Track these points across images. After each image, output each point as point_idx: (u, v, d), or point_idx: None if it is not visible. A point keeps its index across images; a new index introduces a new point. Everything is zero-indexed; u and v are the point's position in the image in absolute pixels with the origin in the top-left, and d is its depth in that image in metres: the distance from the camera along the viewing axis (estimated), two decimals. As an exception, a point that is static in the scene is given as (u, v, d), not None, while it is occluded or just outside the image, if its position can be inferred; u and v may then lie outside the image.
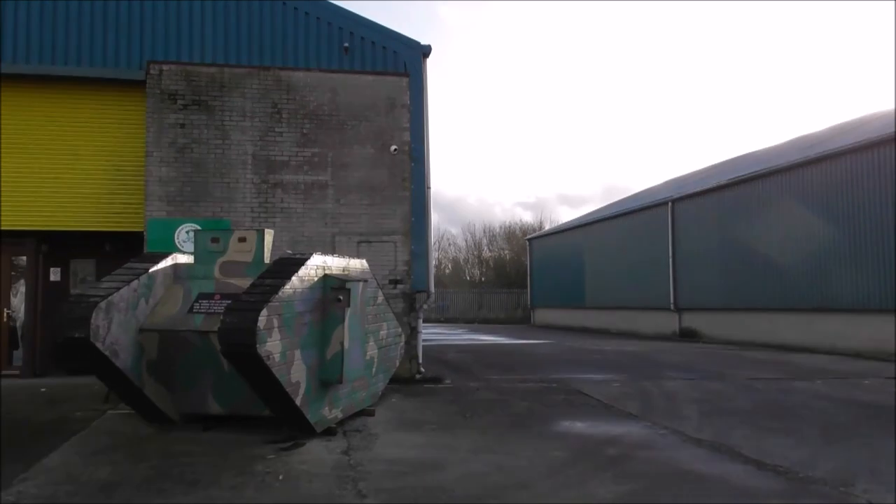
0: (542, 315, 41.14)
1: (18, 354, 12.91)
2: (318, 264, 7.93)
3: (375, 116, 12.73)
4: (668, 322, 28.05)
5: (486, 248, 58.92)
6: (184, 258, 8.51)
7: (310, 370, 7.63)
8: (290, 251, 9.04)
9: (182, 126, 12.04)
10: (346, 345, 7.96)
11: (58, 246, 13.10)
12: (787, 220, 21.70)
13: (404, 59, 13.05)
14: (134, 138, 12.48)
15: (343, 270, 8.56)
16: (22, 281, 13.13)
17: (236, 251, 8.26)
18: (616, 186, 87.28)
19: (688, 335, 26.71)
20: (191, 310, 7.90)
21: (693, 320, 26.98)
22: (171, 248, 11.93)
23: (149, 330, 7.73)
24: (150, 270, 7.89)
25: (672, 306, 27.72)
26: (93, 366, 7.31)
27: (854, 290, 19.04)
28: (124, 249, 13.13)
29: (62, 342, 6.98)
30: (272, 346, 6.86)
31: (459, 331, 32.58)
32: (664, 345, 22.87)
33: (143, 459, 6.72)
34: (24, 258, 12.91)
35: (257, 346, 6.59)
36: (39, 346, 12.77)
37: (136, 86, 12.34)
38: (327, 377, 7.94)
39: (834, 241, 19.80)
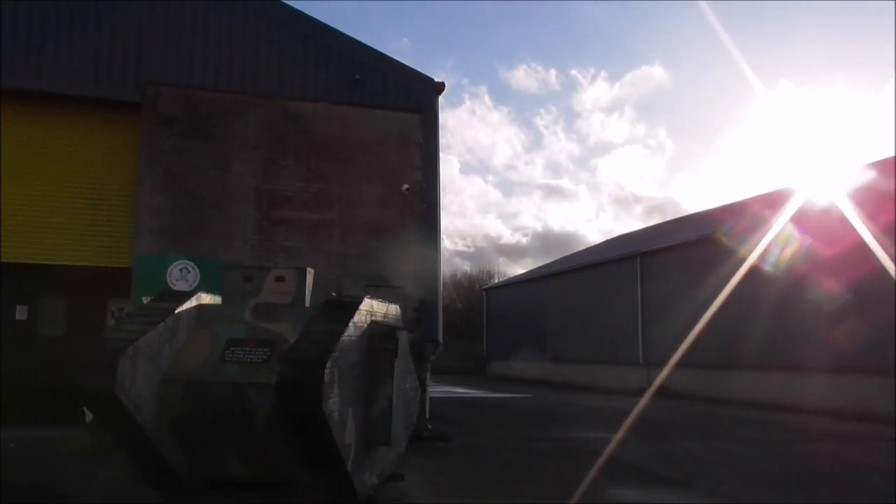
0: (498, 367, 40.41)
1: (-27, 403, 11.36)
2: (367, 309, 7.06)
3: (386, 153, 11.99)
4: (636, 377, 27.66)
5: (434, 298, 57.95)
6: (208, 298, 7.48)
7: (357, 430, 6.69)
8: (333, 293, 8.11)
9: (178, 153, 11.04)
10: (394, 401, 7.07)
11: (25, 281, 11.69)
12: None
13: (417, 95, 12.40)
14: (121, 165, 11.40)
15: (384, 316, 7.70)
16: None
17: (272, 292, 7.28)
18: (552, 239, 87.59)
19: (659, 392, 26.34)
20: (222, 358, 6.85)
21: (661, 376, 26.67)
22: (162, 287, 10.80)
23: (173, 381, 6.64)
24: (176, 312, 6.84)
25: (641, 360, 27.41)
26: (113, 421, 6.18)
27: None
28: (103, 287, 11.91)
29: (82, 393, 5.87)
30: (333, 403, 5.94)
31: (422, 381, 31.45)
32: (644, 401, 22.39)
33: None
34: (-9, 294, 11.45)
35: (323, 403, 5.65)
36: (4, 393, 11.26)
37: (127, 108, 11.30)
38: (373, 438, 7.01)
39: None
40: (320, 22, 12.16)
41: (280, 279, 7.35)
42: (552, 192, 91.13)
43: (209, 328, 7.17)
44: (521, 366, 37.12)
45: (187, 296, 7.21)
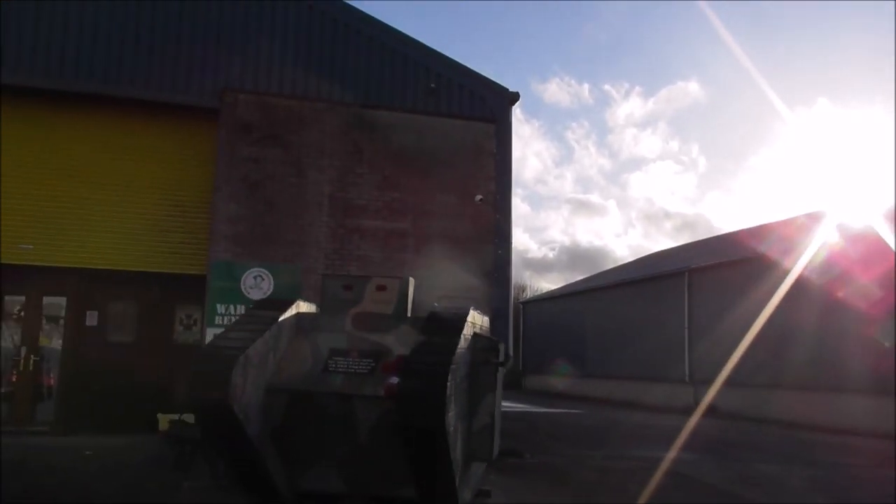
0: (534, 381, 39.96)
1: (44, 408, 11.33)
2: (472, 320, 6.85)
3: (460, 163, 11.82)
4: (682, 395, 27.11)
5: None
6: (305, 307, 7.32)
7: (463, 445, 6.49)
8: (436, 303, 7.92)
9: (255, 161, 10.95)
10: (496, 416, 6.85)
11: (96, 286, 11.65)
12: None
13: (490, 105, 12.23)
14: (197, 171, 11.34)
15: (481, 328, 7.50)
16: (52, 324, 11.63)
17: (373, 301, 7.10)
18: (579, 253, 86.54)
19: (708, 410, 25.76)
20: (325, 368, 6.66)
21: (709, 395, 26.09)
22: (237, 294, 10.72)
23: (278, 390, 6.47)
24: (279, 320, 6.68)
25: (687, 378, 26.86)
26: (222, 431, 6.01)
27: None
28: (172, 294, 11.85)
29: (196, 402, 5.71)
30: (451, 417, 5.73)
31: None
32: (694, 420, 21.91)
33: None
34: (64, 299, 11.41)
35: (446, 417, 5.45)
36: (74, 399, 11.21)
37: (204, 114, 11.26)
38: (475, 453, 6.80)
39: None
40: (397, 30, 12.06)
41: (381, 288, 7.18)
42: (581, 206, 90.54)
43: (309, 337, 7.02)
44: (558, 381, 36.66)
45: (286, 304, 7.07)
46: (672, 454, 12.73)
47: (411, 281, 7.25)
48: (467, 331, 6.64)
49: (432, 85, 11.94)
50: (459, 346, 6.18)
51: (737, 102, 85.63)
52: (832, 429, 18.41)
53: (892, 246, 18.16)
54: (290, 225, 10.95)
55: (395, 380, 6.42)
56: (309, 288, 10.71)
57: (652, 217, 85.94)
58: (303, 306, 7.31)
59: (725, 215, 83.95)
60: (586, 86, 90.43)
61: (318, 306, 7.57)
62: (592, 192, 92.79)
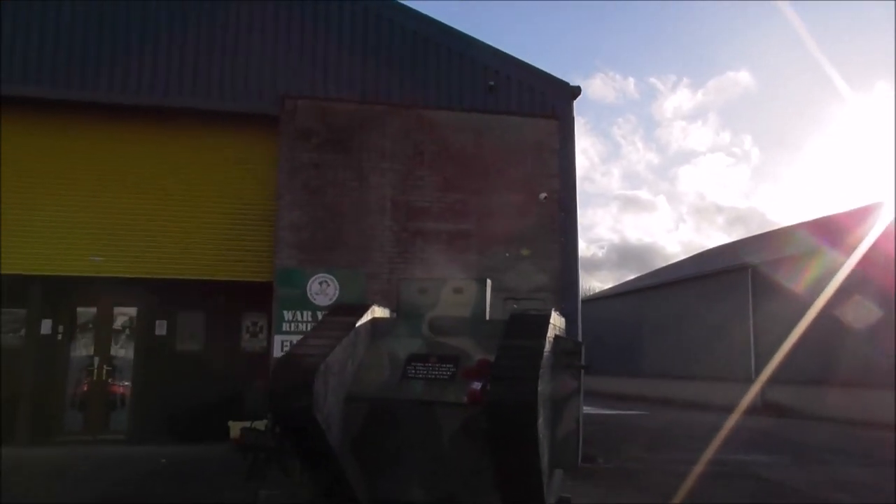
0: (590, 381, 39.33)
1: (116, 416, 11.47)
2: (554, 322, 6.59)
3: (522, 161, 11.58)
4: (746, 394, 26.30)
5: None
6: (380, 311, 7.17)
7: (549, 452, 6.23)
8: (515, 305, 7.73)
9: (316, 167, 10.90)
10: (580, 422, 6.59)
11: (164, 296, 11.75)
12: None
13: (552, 101, 11.95)
14: (258, 179, 11.33)
15: (560, 330, 7.23)
16: (122, 335, 11.79)
17: (450, 304, 6.92)
18: (629, 250, 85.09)
19: (774, 409, 24.97)
20: (404, 375, 6.49)
21: (776, 394, 25.29)
22: (303, 301, 10.68)
23: (357, 399, 6.33)
24: (356, 326, 6.54)
25: (753, 376, 26.06)
26: (305, 441, 5.88)
27: None
28: (237, 302, 11.89)
29: (280, 412, 5.61)
30: (540, 423, 5.50)
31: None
32: (764, 419, 21.25)
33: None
34: (134, 309, 11.55)
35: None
36: (146, 408, 11.32)
37: (264, 122, 11.24)
38: (560, 462, 6.53)
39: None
40: (452, 28, 11.87)
41: (458, 291, 6.99)
42: (629, 203, 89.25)
43: (386, 343, 6.86)
44: (611, 381, 36.01)
45: (362, 309, 6.93)
46: (749, 457, 12.28)
47: (488, 283, 7.05)
48: (549, 333, 6.40)
49: (491, 83, 11.72)
50: (545, 350, 5.96)
51: (790, 90, 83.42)
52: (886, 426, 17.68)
53: None
54: (353, 230, 10.86)
55: (477, 385, 6.22)
56: (373, 293, 10.62)
57: (703, 211, 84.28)
58: (377, 311, 7.17)
59: (780, 208, 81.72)
60: (631, 80, 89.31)
61: (391, 311, 7.43)
62: (641, 188, 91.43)
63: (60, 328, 11.38)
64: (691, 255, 43.89)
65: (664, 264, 45.84)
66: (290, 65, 11.35)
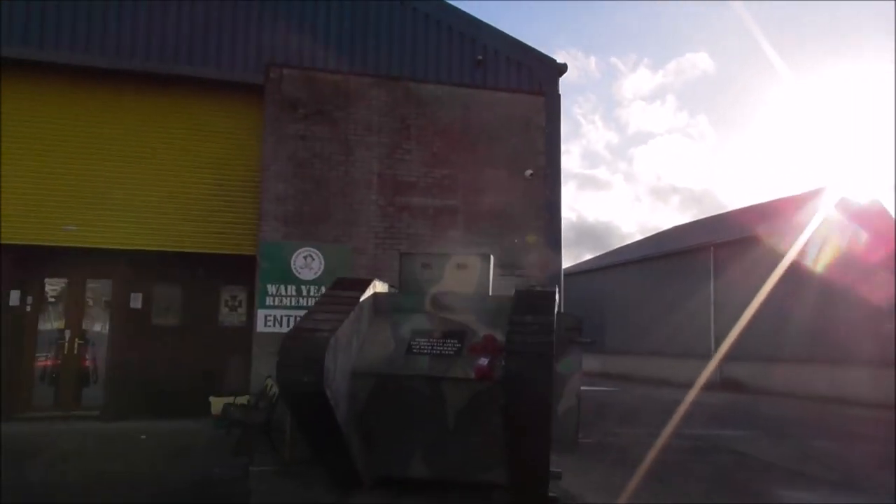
0: (553, 359, 39.80)
1: (89, 392, 11.15)
2: (555, 300, 6.60)
3: (509, 137, 11.49)
4: (706, 370, 26.93)
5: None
6: (381, 286, 7.09)
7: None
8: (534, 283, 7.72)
9: (303, 138, 10.65)
10: (580, 398, 6.65)
11: (140, 269, 11.40)
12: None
13: (538, 77, 11.89)
14: (241, 150, 11.06)
15: (559, 306, 7.27)
16: (95, 308, 11.44)
17: (454, 280, 6.88)
18: (585, 229, 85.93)
19: (731, 386, 25.64)
20: (409, 350, 6.44)
21: (734, 370, 25.96)
22: (287, 275, 10.46)
23: (363, 374, 6.26)
24: (360, 301, 6.44)
25: (712, 354, 26.68)
26: (313, 417, 5.79)
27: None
28: (217, 275, 11.63)
29: (289, 388, 5.51)
30: (552, 398, 5.51)
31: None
32: (729, 396, 21.82)
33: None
34: (110, 282, 11.19)
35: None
36: (120, 383, 11.02)
37: (249, 91, 10.96)
38: (560, 437, 6.58)
39: None
40: (441, 0, 11.68)
41: (462, 267, 6.96)
42: (587, 181, 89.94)
43: (388, 318, 6.80)
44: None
45: (365, 283, 6.84)
46: (721, 431, 12.57)
47: (491, 258, 7.01)
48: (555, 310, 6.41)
49: (479, 57, 11.60)
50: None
51: (747, 73, 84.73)
52: (836, 400, 18.40)
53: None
54: (340, 203, 10.68)
55: (485, 361, 6.20)
56: (359, 268, 10.49)
57: (659, 192, 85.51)
58: (378, 286, 7.08)
59: (733, 190, 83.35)
60: (593, 59, 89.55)
61: (391, 286, 7.35)
62: (599, 168, 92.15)
63: (29, 300, 10.98)
64: (648, 234, 44.55)
65: (620, 243, 46.43)
66: (276, 33, 11.06)
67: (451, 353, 6.34)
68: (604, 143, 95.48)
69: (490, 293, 6.95)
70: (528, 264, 11.32)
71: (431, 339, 6.50)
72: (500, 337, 6.35)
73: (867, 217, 22.49)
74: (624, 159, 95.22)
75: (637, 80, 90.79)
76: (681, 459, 9.62)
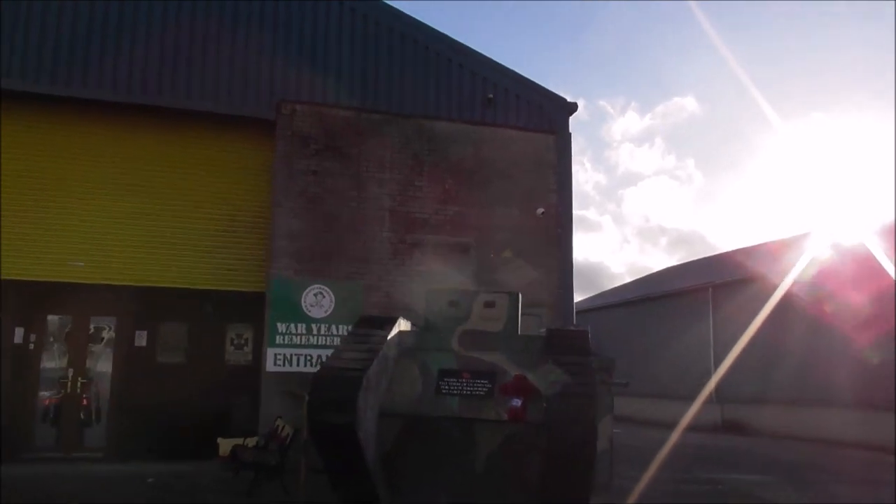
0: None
1: (92, 433, 10.80)
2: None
3: (521, 175, 11.46)
4: (709, 413, 26.63)
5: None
6: (405, 324, 6.91)
7: (587, 472, 6.04)
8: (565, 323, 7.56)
9: (314, 173, 10.57)
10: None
11: (145, 305, 11.14)
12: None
13: (549, 115, 11.90)
14: (252, 185, 10.94)
15: (588, 347, 7.09)
16: (98, 345, 11.15)
17: (481, 318, 6.71)
18: (576, 270, 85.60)
19: (733, 428, 25.35)
20: (438, 390, 6.24)
21: (736, 412, 25.70)
22: (297, 313, 10.31)
23: (391, 414, 6.05)
24: (388, 339, 6.27)
25: (714, 397, 26.44)
26: (343, 459, 5.57)
27: None
28: (223, 313, 11.40)
29: (320, 428, 5.30)
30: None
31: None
32: (734, 439, 21.54)
33: None
34: (114, 319, 10.92)
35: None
36: (124, 424, 10.69)
37: (260, 126, 10.89)
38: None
39: None
40: (452, 39, 11.74)
41: (489, 305, 6.80)
42: (577, 222, 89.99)
43: (414, 357, 6.60)
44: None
45: (390, 321, 6.66)
46: (738, 475, 12.33)
47: (519, 296, 6.86)
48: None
49: (490, 95, 11.61)
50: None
51: (733, 117, 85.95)
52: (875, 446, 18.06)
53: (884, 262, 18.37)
54: (351, 240, 10.56)
55: (517, 402, 6.02)
56: (370, 305, 10.32)
57: (647, 233, 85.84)
58: (403, 324, 6.91)
59: (720, 231, 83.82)
60: (581, 101, 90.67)
61: (413, 323, 7.17)
62: (588, 209, 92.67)
63: (32, 337, 10.70)
64: (638, 276, 44.50)
65: (610, 283, 46.38)
66: (288, 69, 11.03)
67: (482, 393, 6.16)
68: (592, 185, 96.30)
69: (519, 331, 6.78)
70: (540, 302, 11.18)
71: (461, 380, 6.31)
72: (531, 377, 6.19)
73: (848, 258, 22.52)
74: (612, 200, 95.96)
75: (625, 123, 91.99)
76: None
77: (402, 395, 6.21)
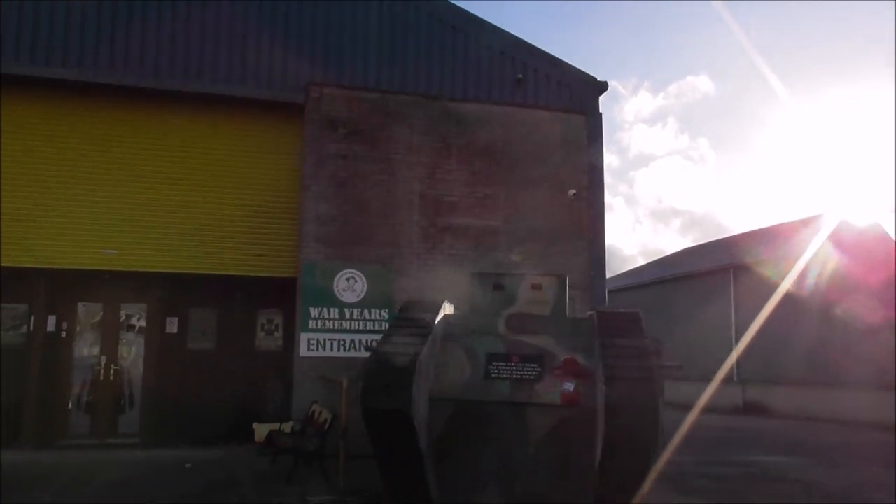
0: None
1: (125, 419, 10.82)
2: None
3: (550, 157, 11.30)
4: (728, 395, 26.53)
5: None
6: (449, 308, 6.83)
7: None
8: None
9: (344, 157, 10.46)
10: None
11: (176, 292, 11.12)
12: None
13: (580, 96, 11.73)
14: (281, 170, 10.85)
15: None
16: (130, 333, 11.14)
17: (529, 301, 6.62)
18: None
19: (754, 409, 25.24)
20: (487, 375, 6.17)
21: (757, 394, 25.57)
22: (329, 297, 10.24)
23: (441, 400, 5.98)
24: (435, 324, 6.19)
25: (735, 378, 26.32)
26: (397, 444, 5.50)
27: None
28: (254, 299, 11.36)
29: (374, 414, 5.23)
30: (653, 427, 5.23)
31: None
32: (758, 421, 21.44)
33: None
34: (145, 306, 10.91)
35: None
36: (157, 410, 10.70)
37: (288, 110, 10.78)
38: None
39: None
40: (482, 19, 11.56)
41: (536, 287, 6.70)
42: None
43: (461, 342, 6.52)
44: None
45: (435, 306, 6.59)
46: (767, 458, 12.24)
47: (567, 280, 6.76)
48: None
49: (519, 76, 11.44)
50: (644, 349, 5.71)
51: (748, 96, 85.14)
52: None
53: None
54: (381, 224, 10.46)
55: (570, 386, 5.95)
56: (401, 290, 10.24)
57: (660, 214, 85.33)
58: (448, 308, 6.83)
59: (733, 212, 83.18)
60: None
61: (455, 307, 7.08)
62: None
63: (65, 325, 10.70)
64: (651, 259, 44.29)
65: (622, 266, 46.12)
66: (316, 51, 10.90)
67: (532, 377, 6.08)
68: (605, 166, 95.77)
69: (567, 314, 6.69)
70: (571, 284, 11.05)
71: (510, 364, 6.23)
72: (581, 360, 6.10)
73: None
74: (625, 182, 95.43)
75: (638, 103, 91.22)
76: (737, 487, 9.31)
77: (450, 379, 6.13)
